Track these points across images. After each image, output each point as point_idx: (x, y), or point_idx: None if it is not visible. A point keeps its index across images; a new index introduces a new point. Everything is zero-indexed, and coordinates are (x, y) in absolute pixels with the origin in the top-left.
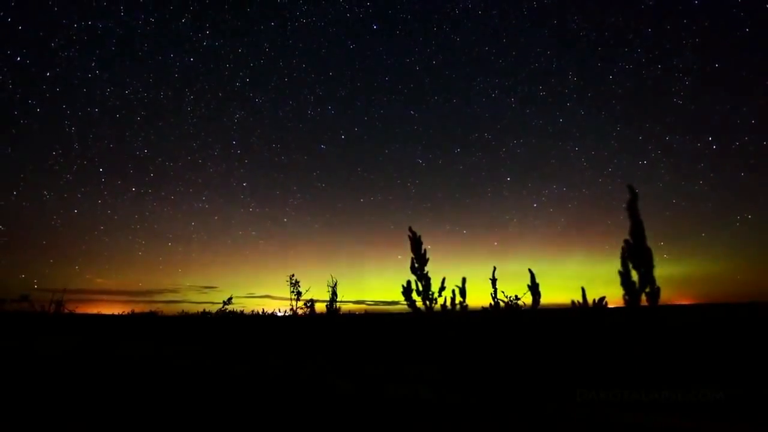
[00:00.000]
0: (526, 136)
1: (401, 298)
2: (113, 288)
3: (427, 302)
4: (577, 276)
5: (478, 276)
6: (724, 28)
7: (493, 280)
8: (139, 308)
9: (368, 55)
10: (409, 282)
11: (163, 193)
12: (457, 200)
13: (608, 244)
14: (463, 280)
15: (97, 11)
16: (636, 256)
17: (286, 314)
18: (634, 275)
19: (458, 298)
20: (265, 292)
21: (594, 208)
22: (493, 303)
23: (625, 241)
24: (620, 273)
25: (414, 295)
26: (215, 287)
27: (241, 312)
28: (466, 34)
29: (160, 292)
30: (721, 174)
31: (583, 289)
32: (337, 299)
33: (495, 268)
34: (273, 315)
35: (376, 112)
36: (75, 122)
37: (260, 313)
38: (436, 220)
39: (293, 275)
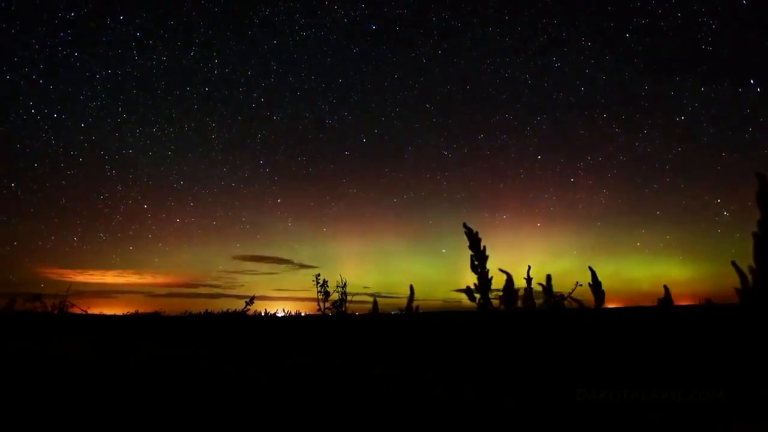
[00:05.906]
0: (549, 110)
1: (454, 296)
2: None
3: (496, 300)
4: (631, 249)
5: (523, 261)
6: None
7: (528, 280)
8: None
9: (373, 56)
10: (482, 278)
11: (205, 220)
12: (491, 186)
13: (659, 208)
14: (548, 278)
15: (114, 59)
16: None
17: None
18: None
19: (536, 295)
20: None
21: (636, 175)
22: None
23: (754, 234)
24: (752, 270)
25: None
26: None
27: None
28: (466, 18)
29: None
30: None
31: (666, 288)
32: (414, 297)
33: (530, 267)
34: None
35: (392, 111)
36: (114, 166)
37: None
38: (473, 209)
39: (319, 275)
